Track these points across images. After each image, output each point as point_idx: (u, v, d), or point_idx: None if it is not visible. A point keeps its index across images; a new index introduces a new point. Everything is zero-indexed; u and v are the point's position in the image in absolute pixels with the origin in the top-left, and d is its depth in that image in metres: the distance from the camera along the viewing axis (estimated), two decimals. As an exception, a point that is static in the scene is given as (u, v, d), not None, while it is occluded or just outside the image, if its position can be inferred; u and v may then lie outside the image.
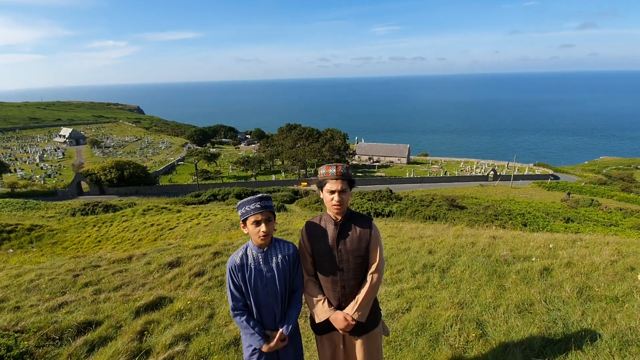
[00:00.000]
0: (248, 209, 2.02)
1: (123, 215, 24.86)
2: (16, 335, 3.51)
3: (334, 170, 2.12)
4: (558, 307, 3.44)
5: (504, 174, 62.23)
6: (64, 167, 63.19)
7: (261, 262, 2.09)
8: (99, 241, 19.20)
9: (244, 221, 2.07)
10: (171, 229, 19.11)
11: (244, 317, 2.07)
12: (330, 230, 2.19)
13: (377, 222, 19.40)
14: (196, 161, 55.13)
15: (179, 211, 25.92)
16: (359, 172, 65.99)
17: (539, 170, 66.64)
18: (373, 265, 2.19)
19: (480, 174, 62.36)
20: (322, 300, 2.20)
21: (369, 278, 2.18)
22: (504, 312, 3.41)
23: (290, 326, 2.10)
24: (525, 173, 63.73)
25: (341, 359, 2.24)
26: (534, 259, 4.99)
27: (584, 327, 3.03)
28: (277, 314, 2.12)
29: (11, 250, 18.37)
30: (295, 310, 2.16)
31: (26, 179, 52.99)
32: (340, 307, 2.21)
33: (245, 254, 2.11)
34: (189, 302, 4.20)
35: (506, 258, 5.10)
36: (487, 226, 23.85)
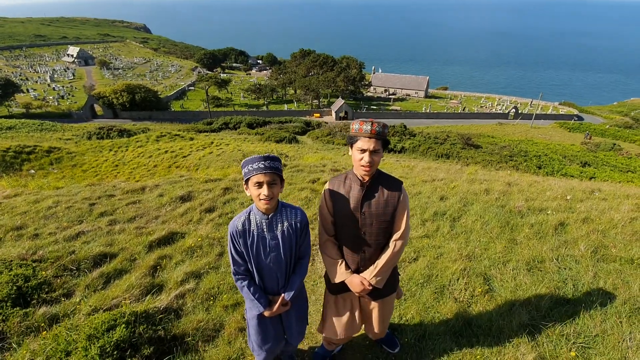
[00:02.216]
0: (251, 169, 1.81)
1: (137, 141, 25.17)
2: (34, 264, 3.68)
3: (369, 127, 1.87)
4: (570, 267, 3.38)
5: (526, 112, 59.51)
6: (75, 88, 62.60)
7: (265, 229, 1.94)
8: (116, 165, 19.73)
9: (246, 181, 1.86)
10: (184, 156, 19.38)
11: (245, 283, 2.00)
12: (356, 190, 2.02)
13: (389, 159, 19.15)
14: (207, 87, 53.72)
15: (191, 139, 26.06)
16: (373, 105, 63.90)
17: (563, 110, 63.40)
18: (398, 232, 2.06)
19: (501, 112, 59.77)
20: (340, 262, 2.11)
21: (391, 244, 2.06)
22: (513, 269, 3.37)
23: (293, 292, 2.03)
24: (549, 112, 60.81)
25: (356, 319, 2.24)
26: (549, 212, 4.84)
27: (594, 290, 2.98)
28: (280, 280, 2.04)
29: (33, 171, 19.09)
30: (299, 277, 2.07)
31: (39, 99, 53.01)
32: (359, 270, 2.13)
33: (248, 219, 1.94)
34: (199, 239, 4.28)
35: (521, 209, 4.97)
36: (500, 167, 23.53)
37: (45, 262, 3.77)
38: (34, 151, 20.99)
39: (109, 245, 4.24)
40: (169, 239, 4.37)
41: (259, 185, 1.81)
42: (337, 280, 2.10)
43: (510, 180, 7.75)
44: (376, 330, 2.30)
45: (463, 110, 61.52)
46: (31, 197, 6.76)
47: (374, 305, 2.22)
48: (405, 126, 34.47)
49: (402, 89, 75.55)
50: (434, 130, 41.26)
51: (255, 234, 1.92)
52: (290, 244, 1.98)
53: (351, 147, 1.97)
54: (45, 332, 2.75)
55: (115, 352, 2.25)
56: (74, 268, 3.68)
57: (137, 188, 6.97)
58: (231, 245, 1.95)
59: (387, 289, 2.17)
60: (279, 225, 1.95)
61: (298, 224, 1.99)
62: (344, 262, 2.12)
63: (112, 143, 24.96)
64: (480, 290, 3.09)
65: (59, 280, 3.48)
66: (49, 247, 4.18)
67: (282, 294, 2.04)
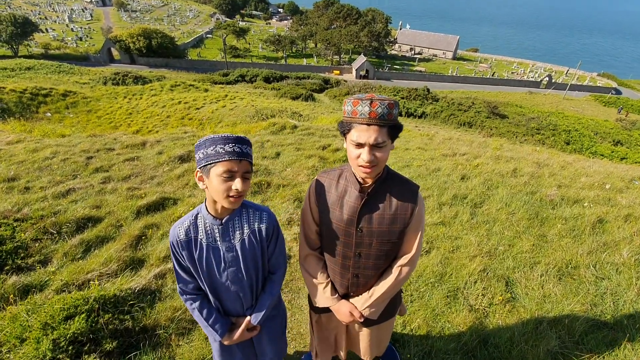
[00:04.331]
0: (220, 151, 1.24)
1: (152, 89, 24.77)
2: (15, 224, 3.42)
3: (367, 107, 1.22)
4: (609, 277, 2.90)
5: (560, 81, 55.57)
6: (93, 30, 61.39)
7: (217, 239, 1.41)
8: (130, 114, 19.53)
9: (204, 168, 1.28)
10: (197, 108, 18.95)
11: (196, 305, 1.49)
12: (352, 197, 1.42)
13: (408, 124, 18.02)
14: (224, 36, 51.57)
15: (206, 90, 25.43)
16: (396, 65, 60.69)
17: (601, 82, 58.97)
18: (406, 257, 1.50)
19: (533, 79, 56.01)
20: (325, 284, 1.60)
21: (395, 271, 1.51)
22: (542, 274, 2.91)
23: (262, 313, 1.55)
24: (585, 83, 56.64)
25: (343, 344, 1.81)
26: (586, 204, 4.27)
27: (639, 311, 2.52)
28: (244, 301, 1.55)
29: (49, 114, 19.08)
30: (270, 297, 1.57)
31: (58, 40, 52.34)
32: (348, 296, 1.63)
33: (195, 224, 1.41)
34: (191, 208, 3.94)
35: (553, 198, 4.40)
36: (525, 139, 22.22)
37: (27, 222, 3.51)
38: (50, 94, 20.89)
39: (96, 207, 3.94)
40: (159, 205, 4.04)
41: (230, 176, 1.26)
42: (320, 305, 1.61)
43: (540, 160, 7.08)
44: (367, 357, 1.85)
45: (492, 75, 57.85)
46: (31, 146, 6.52)
47: (366, 332, 1.75)
48: (428, 89, 32.68)
49: (429, 48, 71.14)
50: (459, 95, 39.13)
51: (204, 244, 1.41)
52: (254, 257, 1.46)
53: (345, 137, 1.33)
54: (10, 306, 2.50)
55: (70, 348, 1.97)
56: (55, 232, 3.41)
57: (138, 143, 6.63)
58: (173, 258, 1.46)
59: (384, 316, 1.67)
60: (237, 232, 1.42)
61: (263, 231, 1.45)
62: (329, 285, 1.60)
63: (126, 90, 24.59)
64: (500, 298, 2.67)
65: (37, 245, 3.22)
66: (35, 205, 3.92)
67: (248, 317, 1.55)
